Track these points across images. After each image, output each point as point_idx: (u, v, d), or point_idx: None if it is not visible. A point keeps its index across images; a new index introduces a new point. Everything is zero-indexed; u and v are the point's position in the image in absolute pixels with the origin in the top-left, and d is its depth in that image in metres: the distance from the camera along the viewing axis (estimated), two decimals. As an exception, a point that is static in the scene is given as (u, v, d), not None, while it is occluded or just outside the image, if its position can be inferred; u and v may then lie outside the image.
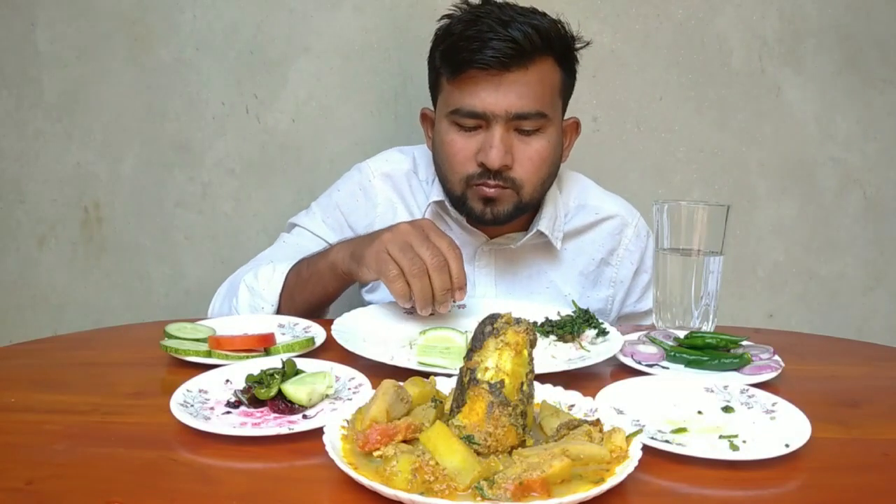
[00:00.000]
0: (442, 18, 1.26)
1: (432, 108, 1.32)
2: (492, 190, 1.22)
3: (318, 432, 0.69)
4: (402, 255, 1.03)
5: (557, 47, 1.22)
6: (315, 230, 1.39)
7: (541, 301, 1.31)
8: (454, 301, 1.06)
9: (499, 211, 1.24)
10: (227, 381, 0.86)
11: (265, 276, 1.21)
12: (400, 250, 1.03)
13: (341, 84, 1.72)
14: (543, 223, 1.31)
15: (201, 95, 1.73)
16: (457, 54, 1.19)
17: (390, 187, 1.39)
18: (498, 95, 1.18)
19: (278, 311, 1.19)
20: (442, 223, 1.35)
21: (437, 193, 1.33)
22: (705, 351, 0.99)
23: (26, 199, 1.80)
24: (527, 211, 1.29)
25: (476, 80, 1.19)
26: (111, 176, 1.77)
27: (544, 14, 1.24)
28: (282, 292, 1.19)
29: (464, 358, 0.70)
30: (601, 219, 1.39)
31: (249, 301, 1.21)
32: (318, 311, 1.23)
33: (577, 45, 1.28)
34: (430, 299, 1.03)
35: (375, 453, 0.64)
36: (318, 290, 1.19)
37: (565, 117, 1.32)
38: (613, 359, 0.97)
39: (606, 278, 1.40)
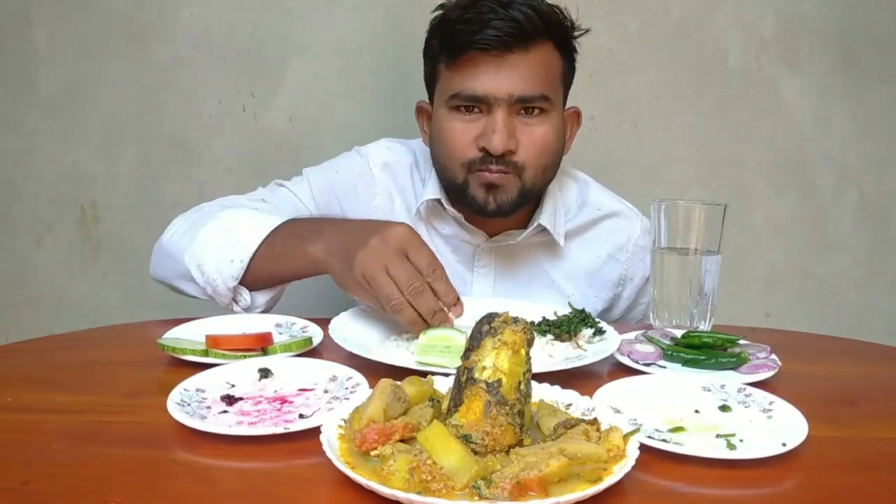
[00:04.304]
0: (436, 10, 1.23)
1: (429, 102, 1.29)
2: (494, 175, 1.18)
3: (315, 431, 0.68)
4: (381, 285, 0.95)
5: (557, 32, 1.20)
6: (303, 199, 1.31)
7: (541, 303, 1.25)
8: (453, 317, 1.00)
9: (502, 200, 1.20)
10: (227, 382, 0.85)
11: (246, 225, 1.12)
12: (377, 278, 0.96)
13: (339, 83, 1.72)
14: (545, 217, 1.28)
15: (198, 94, 1.73)
16: (456, 37, 1.16)
17: (390, 178, 1.34)
18: (500, 78, 1.15)
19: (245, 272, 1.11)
20: (438, 222, 1.32)
21: (431, 191, 1.28)
22: (702, 350, 0.99)
23: (23, 198, 1.79)
24: (530, 199, 1.24)
25: (476, 63, 1.15)
26: (108, 175, 1.77)
27: None
28: (257, 250, 1.10)
29: (461, 357, 0.70)
30: (604, 215, 1.35)
31: (220, 246, 1.11)
32: (280, 285, 1.18)
33: (576, 33, 1.24)
34: (419, 322, 0.96)
35: (373, 453, 0.64)
36: (289, 273, 1.13)
37: (566, 107, 1.29)
38: (611, 358, 0.97)
39: (615, 276, 1.36)
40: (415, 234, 1.00)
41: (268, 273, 1.13)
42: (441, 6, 1.23)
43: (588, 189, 1.37)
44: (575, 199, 1.36)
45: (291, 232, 1.12)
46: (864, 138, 1.76)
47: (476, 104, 1.18)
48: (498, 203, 1.20)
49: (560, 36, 1.21)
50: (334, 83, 1.72)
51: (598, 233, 1.35)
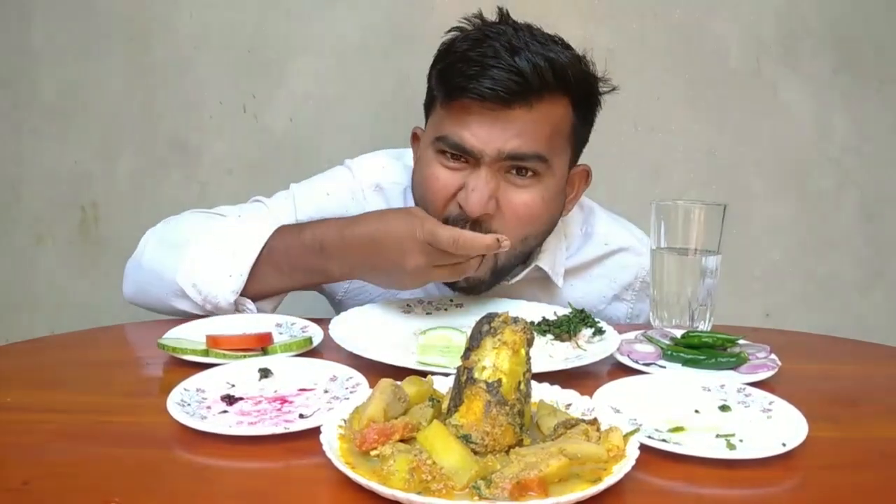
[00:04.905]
0: (451, 31, 1.11)
1: (423, 129, 1.19)
2: None
3: (315, 431, 0.68)
4: (451, 277, 1.02)
5: (575, 88, 1.07)
6: (282, 221, 1.18)
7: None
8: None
9: (472, 281, 1.09)
10: (227, 382, 0.85)
11: (237, 236, 1.08)
12: (440, 278, 1.03)
13: (339, 83, 1.72)
14: (544, 259, 1.18)
15: (199, 94, 1.73)
16: (451, 77, 1.04)
17: (383, 201, 1.25)
18: (492, 132, 1.03)
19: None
20: None
21: None
22: (702, 350, 0.99)
23: (23, 199, 1.79)
24: (503, 276, 1.15)
25: (469, 111, 1.03)
26: (108, 175, 1.77)
27: (568, 46, 1.07)
28: (256, 262, 1.06)
29: (461, 357, 0.70)
30: (611, 251, 1.25)
31: (214, 261, 1.06)
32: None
33: (603, 89, 1.12)
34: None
35: (373, 452, 0.64)
36: (306, 286, 1.13)
37: (577, 164, 1.18)
38: (610, 358, 0.97)
39: (621, 315, 1.28)
40: (417, 223, 0.98)
41: (277, 286, 1.11)
42: (457, 29, 1.11)
43: (593, 218, 1.27)
44: (579, 229, 1.26)
45: (296, 243, 1.07)
46: (864, 139, 1.76)
47: (462, 154, 1.07)
48: (468, 282, 1.10)
49: (579, 92, 1.08)
50: (334, 83, 1.72)
51: (603, 270, 1.26)
